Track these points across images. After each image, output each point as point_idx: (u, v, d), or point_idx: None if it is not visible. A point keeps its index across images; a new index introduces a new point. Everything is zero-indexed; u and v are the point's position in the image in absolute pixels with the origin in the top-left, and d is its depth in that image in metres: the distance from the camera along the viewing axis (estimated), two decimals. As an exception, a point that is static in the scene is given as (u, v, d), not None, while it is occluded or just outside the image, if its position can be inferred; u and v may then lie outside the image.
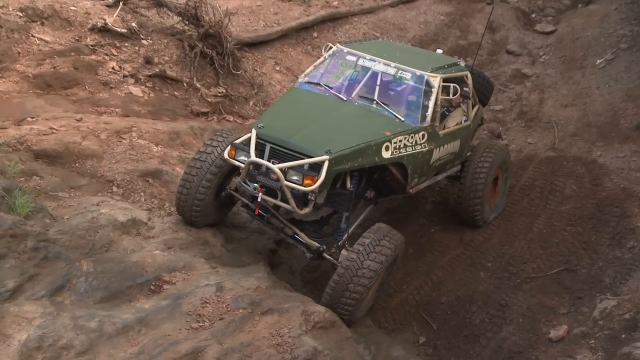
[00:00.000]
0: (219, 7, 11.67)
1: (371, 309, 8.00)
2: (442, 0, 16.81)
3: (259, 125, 7.13)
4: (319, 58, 13.34)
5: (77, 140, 7.92)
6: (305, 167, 6.71)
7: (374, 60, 8.53)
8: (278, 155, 6.86)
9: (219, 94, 11.08)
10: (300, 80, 8.72)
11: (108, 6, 10.91)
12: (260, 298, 6.25)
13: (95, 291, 5.72)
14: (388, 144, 7.34)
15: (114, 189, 7.62)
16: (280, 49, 12.70)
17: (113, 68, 10.16)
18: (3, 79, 8.80)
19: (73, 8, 10.37)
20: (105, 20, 10.44)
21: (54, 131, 7.87)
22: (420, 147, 7.92)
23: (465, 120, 9.33)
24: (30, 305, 5.24)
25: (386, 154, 7.33)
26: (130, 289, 5.90)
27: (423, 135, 7.94)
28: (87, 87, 9.71)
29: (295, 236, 7.42)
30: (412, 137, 7.73)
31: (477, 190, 9.16)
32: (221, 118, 10.76)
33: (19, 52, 9.21)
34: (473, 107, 9.52)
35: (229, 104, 11.13)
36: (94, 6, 10.69)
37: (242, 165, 6.91)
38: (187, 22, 11.32)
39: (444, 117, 8.89)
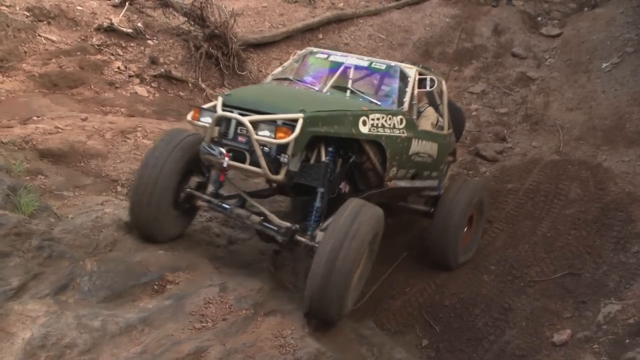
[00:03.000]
0: (225, 8, 11.77)
1: (374, 311, 7.96)
2: (447, 2, 16.95)
3: (224, 92, 6.82)
4: None
5: (82, 139, 7.99)
6: (279, 122, 6.09)
7: (346, 56, 8.32)
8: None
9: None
10: (266, 80, 8.34)
11: (114, 6, 11.02)
12: (264, 299, 6.29)
13: (99, 290, 5.74)
14: (365, 118, 6.86)
15: (119, 188, 7.69)
16: (286, 50, 12.73)
17: (118, 68, 10.28)
18: (9, 78, 8.89)
19: (79, 8, 10.47)
20: (111, 20, 10.55)
21: (59, 130, 7.94)
22: (398, 132, 7.43)
23: (441, 128, 8.78)
24: (34, 303, 5.26)
25: (364, 129, 6.82)
26: (133, 288, 5.91)
27: (401, 120, 7.47)
28: (92, 86, 9.80)
29: (264, 223, 6.63)
30: (390, 119, 7.28)
31: (448, 231, 8.50)
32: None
33: (25, 52, 9.30)
34: (448, 128, 9.01)
35: None
36: (100, 6, 10.79)
37: (207, 125, 6.31)
38: (192, 23, 11.43)
39: (417, 115, 8.30)
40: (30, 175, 6.97)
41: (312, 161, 6.65)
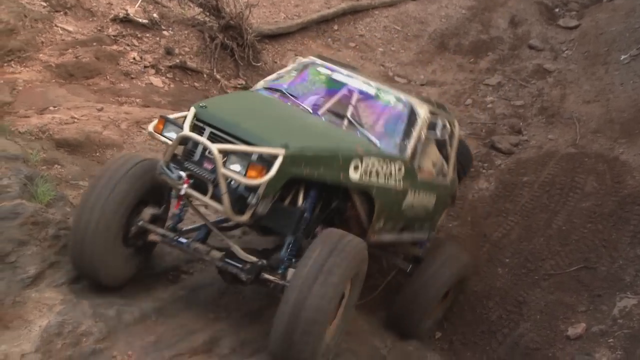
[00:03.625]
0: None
1: (386, 303, 7.80)
2: (464, -8, 16.91)
3: (200, 105, 5.50)
4: (339, 50, 13.45)
5: (97, 129, 8.05)
6: (254, 157, 5.07)
7: (351, 77, 7.07)
8: (217, 142, 5.15)
9: (239, 86, 11.18)
10: (257, 86, 7.13)
11: None
12: (278, 290, 6.24)
13: (114, 280, 5.91)
14: (358, 162, 5.70)
15: (134, 179, 7.69)
16: (301, 41, 12.83)
17: (134, 58, 10.34)
18: (27, 68, 8.94)
19: None
20: (127, 10, 10.63)
21: (76, 120, 8.02)
22: (394, 182, 6.30)
23: (444, 176, 7.64)
24: (50, 292, 5.34)
25: (354, 175, 5.69)
26: (148, 278, 5.97)
27: (400, 168, 6.34)
28: (108, 77, 9.85)
29: (226, 260, 5.49)
30: (386, 165, 6.13)
31: (419, 304, 7.28)
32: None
33: (42, 42, 9.35)
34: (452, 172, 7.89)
35: None
36: None
37: (169, 142, 5.25)
38: (208, 14, 11.48)
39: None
40: (47, 164, 7.02)
41: (287, 202, 5.72)
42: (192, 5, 11.62)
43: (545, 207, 9.76)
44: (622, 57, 13.48)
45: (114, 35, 10.38)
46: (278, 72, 7.33)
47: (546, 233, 9.22)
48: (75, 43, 9.75)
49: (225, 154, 4.97)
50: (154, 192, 5.64)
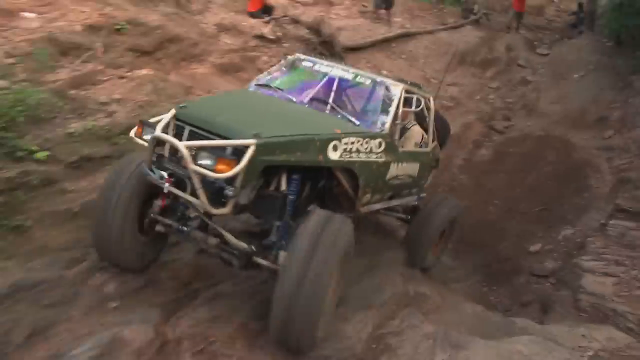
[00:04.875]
0: (333, 25, 12.06)
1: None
2: (477, 28, 17.12)
3: (180, 105, 4.38)
4: (395, 60, 13.51)
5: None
6: (228, 151, 3.93)
7: (332, 67, 5.78)
8: (196, 139, 4.06)
9: None
10: (250, 84, 5.87)
11: (265, 22, 11.29)
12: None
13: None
14: (337, 142, 4.49)
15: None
16: (370, 53, 12.93)
17: (264, 60, 10.36)
18: (202, 66, 9.10)
19: (244, 24, 10.79)
20: (262, 31, 10.86)
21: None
22: (375, 157, 5.06)
23: (424, 146, 6.37)
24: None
25: (334, 155, 4.48)
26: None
27: (380, 144, 5.08)
28: (248, 72, 9.84)
29: (221, 246, 4.38)
30: (366, 142, 4.89)
31: (422, 238, 6.41)
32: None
33: (211, 50, 9.50)
34: (433, 141, 6.56)
35: None
36: (256, 23, 11.07)
37: (146, 143, 4.21)
38: (312, 33, 11.62)
39: (401, 134, 5.86)
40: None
41: (272, 188, 4.46)
42: (302, 28, 11.72)
43: (522, 169, 9.98)
44: (575, 75, 13.73)
45: (253, 46, 10.48)
46: (268, 71, 6.07)
47: (522, 185, 9.48)
48: (230, 51, 9.87)
49: (196, 149, 3.87)
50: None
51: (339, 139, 4.55)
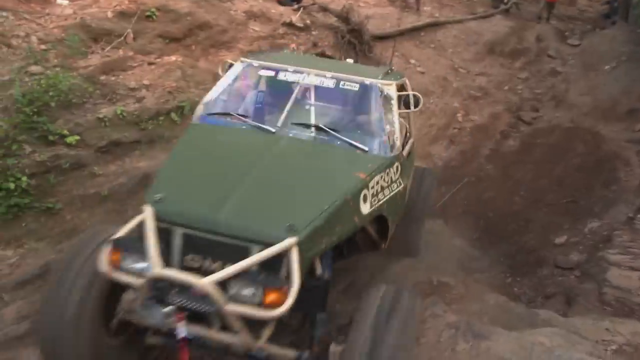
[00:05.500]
0: (362, 13, 11.93)
1: (443, 214, 7.78)
2: (507, 17, 16.89)
3: (155, 197, 3.06)
4: (423, 49, 13.32)
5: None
6: (254, 269, 2.81)
7: (301, 72, 4.27)
8: (196, 245, 2.92)
9: None
10: (199, 111, 4.19)
11: (294, 10, 11.27)
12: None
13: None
14: (366, 192, 3.49)
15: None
16: (399, 41, 12.66)
17: (294, 48, 10.50)
18: (231, 53, 8.99)
19: (273, 11, 10.80)
20: (291, 18, 10.84)
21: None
22: (396, 186, 4.09)
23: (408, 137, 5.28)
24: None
25: (365, 208, 3.48)
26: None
27: (397, 168, 4.10)
28: None
29: (252, 354, 3.08)
30: (387, 174, 3.87)
31: (415, 218, 5.45)
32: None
33: (240, 37, 9.53)
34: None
35: None
36: (285, 10, 11.08)
37: (137, 282, 2.88)
38: (341, 21, 11.57)
39: None
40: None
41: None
42: (331, 16, 11.71)
43: (550, 160, 9.79)
44: (606, 67, 13.40)
45: (282, 33, 10.50)
46: (215, 87, 4.37)
47: (549, 177, 9.29)
48: (259, 38, 9.89)
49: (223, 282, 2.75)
50: None
51: (367, 185, 3.51)
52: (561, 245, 7.67)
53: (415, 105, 4.40)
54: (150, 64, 7.25)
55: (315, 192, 3.32)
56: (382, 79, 4.45)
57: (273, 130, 3.89)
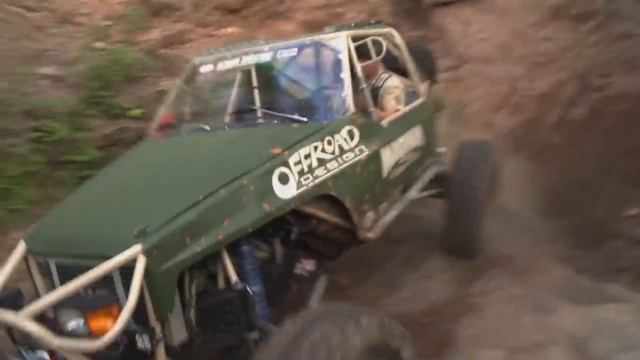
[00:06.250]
0: None
1: None
2: None
3: (33, 231, 2.76)
4: (486, 15, 12.91)
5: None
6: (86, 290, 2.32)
7: (238, 56, 3.88)
8: (70, 275, 2.28)
9: (417, 37, 10.88)
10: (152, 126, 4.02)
11: None
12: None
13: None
14: (283, 169, 2.84)
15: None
16: (459, 7, 12.35)
17: (351, 16, 10.21)
18: (289, 23, 9.23)
19: None
20: None
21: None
22: (353, 155, 3.34)
23: (413, 96, 4.69)
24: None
25: (287, 191, 2.81)
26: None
27: (350, 132, 3.38)
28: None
29: None
30: (329, 143, 3.18)
31: (474, 209, 4.58)
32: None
33: (297, 7, 9.55)
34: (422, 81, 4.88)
35: (423, 43, 10.90)
36: None
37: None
38: None
39: (375, 99, 4.20)
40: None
41: (220, 280, 2.67)
42: None
43: (620, 129, 9.35)
44: None
45: (339, 2, 10.32)
46: (166, 97, 4.24)
47: (619, 146, 8.88)
48: (316, 7, 9.76)
49: (55, 308, 2.22)
50: None
51: (284, 162, 2.85)
52: (632, 218, 7.43)
53: (378, 54, 3.77)
54: (208, 36, 7.35)
55: (192, 184, 2.69)
56: (338, 28, 3.90)
57: (208, 128, 3.64)
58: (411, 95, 4.70)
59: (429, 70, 5.30)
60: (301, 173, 2.93)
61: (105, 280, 2.26)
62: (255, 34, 8.21)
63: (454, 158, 4.91)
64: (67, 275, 2.36)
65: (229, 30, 7.74)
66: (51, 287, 2.51)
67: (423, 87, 4.89)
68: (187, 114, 4.09)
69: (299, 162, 2.94)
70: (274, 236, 3.10)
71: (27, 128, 5.20)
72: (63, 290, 2.13)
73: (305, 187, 2.92)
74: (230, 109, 4.04)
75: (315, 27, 9.42)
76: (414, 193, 4.37)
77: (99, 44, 6.04)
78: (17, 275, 2.63)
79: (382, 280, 4.63)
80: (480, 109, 8.66)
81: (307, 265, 3.32)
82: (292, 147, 2.98)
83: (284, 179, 2.82)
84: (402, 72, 4.77)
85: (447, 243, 4.81)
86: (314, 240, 3.35)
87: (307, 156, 3.00)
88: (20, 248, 2.62)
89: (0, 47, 5.76)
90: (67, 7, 6.34)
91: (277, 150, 2.91)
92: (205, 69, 4.06)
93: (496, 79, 10.98)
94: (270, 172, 2.79)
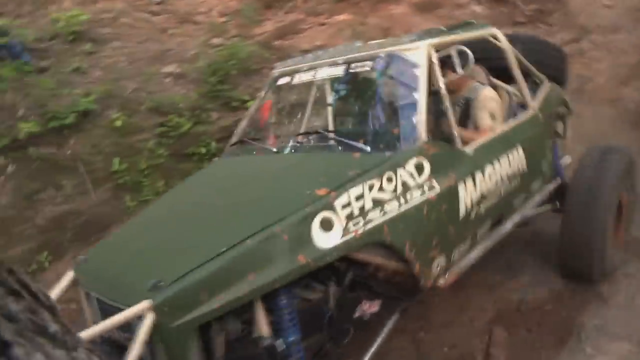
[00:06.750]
0: None
1: None
2: None
3: (82, 263, 2.72)
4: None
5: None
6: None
7: (314, 69, 3.47)
8: (109, 313, 2.15)
9: (533, 10, 10.67)
10: (235, 135, 3.87)
11: None
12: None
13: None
14: (327, 214, 2.39)
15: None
16: None
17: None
18: (400, 6, 9.19)
19: None
20: None
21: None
22: (419, 192, 2.75)
23: (517, 108, 4.02)
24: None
25: (329, 239, 2.36)
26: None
27: (419, 166, 2.81)
28: (446, 8, 9.85)
29: None
30: (389, 180, 2.66)
31: (592, 226, 3.74)
32: (534, 27, 10.50)
33: None
34: (536, 83, 4.22)
35: (540, 16, 10.59)
36: None
37: None
38: None
39: (464, 117, 3.70)
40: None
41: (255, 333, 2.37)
42: None
43: None
44: None
45: None
46: (249, 110, 4.04)
47: None
48: None
49: None
50: None
51: (329, 205, 2.44)
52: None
53: (463, 66, 3.07)
54: (321, 24, 7.48)
55: (220, 231, 2.47)
56: (420, 37, 3.25)
57: (274, 150, 3.32)
58: (514, 110, 4.03)
59: (555, 70, 4.63)
60: (350, 217, 2.48)
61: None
62: (367, 19, 8.23)
63: (577, 165, 4.11)
64: (107, 310, 2.29)
65: (341, 17, 7.81)
66: (96, 316, 2.46)
67: (540, 95, 4.15)
68: (265, 129, 3.84)
69: (348, 205, 2.48)
70: (328, 278, 2.71)
71: (154, 124, 5.59)
72: (98, 328, 2.04)
73: (352, 235, 2.46)
74: (302, 126, 3.71)
75: (427, 9, 9.55)
76: (509, 226, 3.63)
77: (216, 40, 6.34)
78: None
79: (500, 266, 4.48)
80: (605, 84, 8.07)
81: (371, 308, 2.90)
82: (342, 186, 2.54)
83: (326, 225, 2.40)
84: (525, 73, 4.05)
85: (561, 265, 4.18)
86: (377, 283, 2.91)
87: (359, 197, 2.54)
88: (69, 276, 2.62)
89: (129, 50, 6.25)
90: (186, 8, 6.71)
91: (322, 192, 2.49)
92: (282, 81, 3.72)
93: (623, 49, 10.21)
94: (310, 218, 2.37)
